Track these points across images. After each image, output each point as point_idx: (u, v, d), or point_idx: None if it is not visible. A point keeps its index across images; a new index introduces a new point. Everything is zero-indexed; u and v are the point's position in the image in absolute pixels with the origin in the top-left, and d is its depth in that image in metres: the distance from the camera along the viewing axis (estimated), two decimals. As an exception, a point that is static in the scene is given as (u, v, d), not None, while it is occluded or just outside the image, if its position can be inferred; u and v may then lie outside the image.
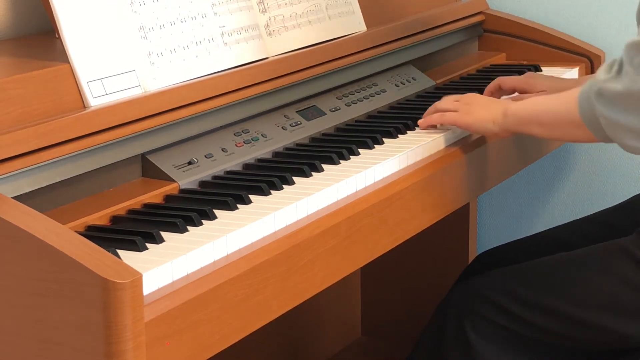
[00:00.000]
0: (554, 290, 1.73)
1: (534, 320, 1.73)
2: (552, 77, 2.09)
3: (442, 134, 1.88)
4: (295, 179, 1.64)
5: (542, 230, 2.09)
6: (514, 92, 2.08)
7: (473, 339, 1.75)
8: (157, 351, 1.23)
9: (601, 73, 1.61)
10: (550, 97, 1.75)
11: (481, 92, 2.20)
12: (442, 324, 1.80)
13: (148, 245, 1.36)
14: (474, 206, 2.69)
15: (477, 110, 1.83)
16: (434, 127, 1.91)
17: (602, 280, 1.70)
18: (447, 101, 1.89)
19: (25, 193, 1.40)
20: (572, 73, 2.41)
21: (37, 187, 1.42)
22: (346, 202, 1.59)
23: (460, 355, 1.76)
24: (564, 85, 2.02)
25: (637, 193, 2.00)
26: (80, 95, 1.54)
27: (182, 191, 1.59)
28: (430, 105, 2.05)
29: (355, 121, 1.99)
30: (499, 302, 1.74)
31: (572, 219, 2.07)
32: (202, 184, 1.63)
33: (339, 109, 1.97)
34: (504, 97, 2.07)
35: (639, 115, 1.55)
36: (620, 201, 2.02)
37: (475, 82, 2.27)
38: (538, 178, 2.71)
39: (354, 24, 2.12)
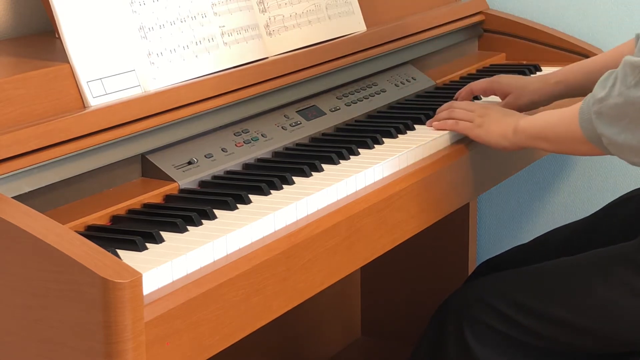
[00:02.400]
0: (555, 297, 1.72)
1: (534, 326, 1.72)
2: (515, 76, 2.09)
3: (442, 134, 1.88)
4: (295, 179, 1.64)
5: (541, 229, 2.09)
6: (485, 94, 2.09)
7: (472, 344, 1.74)
8: (157, 351, 1.23)
9: (598, 89, 1.63)
10: (556, 112, 1.77)
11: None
12: (441, 328, 1.80)
13: (148, 245, 1.36)
14: (474, 206, 2.69)
15: (490, 124, 1.84)
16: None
17: (605, 288, 1.69)
18: (464, 108, 1.90)
19: (25, 193, 1.40)
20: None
21: (37, 187, 1.42)
22: (346, 202, 1.59)
23: (460, 359, 1.76)
24: (526, 82, 2.03)
25: (632, 189, 2.00)
26: (80, 95, 1.54)
27: (182, 191, 1.59)
28: (430, 105, 2.06)
29: (355, 121, 1.99)
30: (499, 307, 1.74)
31: (571, 219, 2.07)
32: (202, 183, 1.63)
33: (339, 109, 1.97)
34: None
35: (634, 133, 1.58)
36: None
37: (475, 82, 2.27)
38: (538, 178, 2.71)
39: (354, 24, 2.12)
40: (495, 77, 2.08)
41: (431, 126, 1.92)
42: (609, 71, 1.63)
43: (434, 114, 2.01)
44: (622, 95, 1.58)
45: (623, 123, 1.59)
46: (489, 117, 1.86)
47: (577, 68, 2.03)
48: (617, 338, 1.69)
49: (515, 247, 2.07)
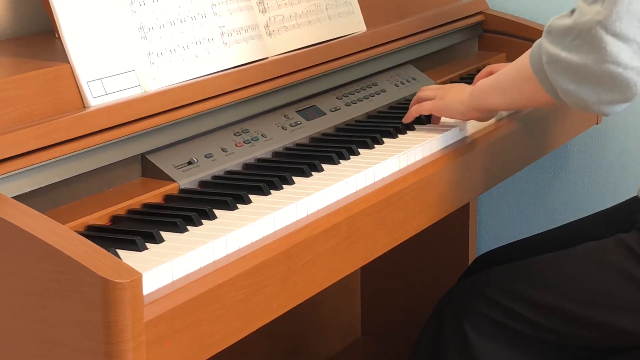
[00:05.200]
0: (554, 288, 1.73)
1: (533, 318, 1.73)
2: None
3: (441, 134, 1.88)
4: (295, 178, 1.64)
5: (541, 230, 2.09)
6: None
7: (472, 337, 1.75)
8: (157, 351, 1.23)
9: (555, 16, 1.60)
10: (511, 63, 1.78)
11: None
12: (440, 322, 1.80)
13: (148, 245, 1.36)
14: (474, 206, 2.69)
15: (449, 94, 1.88)
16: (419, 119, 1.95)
17: (602, 276, 1.70)
18: (427, 89, 1.94)
19: (25, 193, 1.40)
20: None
21: (37, 187, 1.42)
22: (346, 202, 1.59)
23: (460, 353, 1.76)
24: None
25: (636, 194, 2.00)
26: (80, 95, 1.54)
27: (182, 191, 1.59)
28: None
29: (355, 121, 1.99)
30: (498, 299, 1.74)
31: (571, 219, 2.07)
32: (202, 183, 1.63)
33: (339, 109, 1.97)
34: None
35: (580, 52, 1.52)
36: (620, 201, 2.02)
37: (475, 82, 2.27)
38: (538, 178, 2.71)
39: (354, 24, 2.12)
40: (491, 67, 2.07)
41: (405, 122, 1.94)
42: None
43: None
44: (578, 10, 1.53)
45: (569, 38, 1.53)
46: (450, 89, 1.89)
47: None
48: (614, 327, 1.70)
49: (511, 242, 2.07)
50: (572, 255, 1.76)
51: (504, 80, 1.76)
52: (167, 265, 1.30)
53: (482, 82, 1.82)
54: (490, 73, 2.06)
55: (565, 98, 1.57)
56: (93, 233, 1.41)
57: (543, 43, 1.59)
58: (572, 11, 1.57)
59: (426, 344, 1.84)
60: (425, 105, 1.91)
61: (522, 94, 1.70)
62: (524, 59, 1.67)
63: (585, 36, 1.51)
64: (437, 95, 1.90)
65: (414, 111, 1.92)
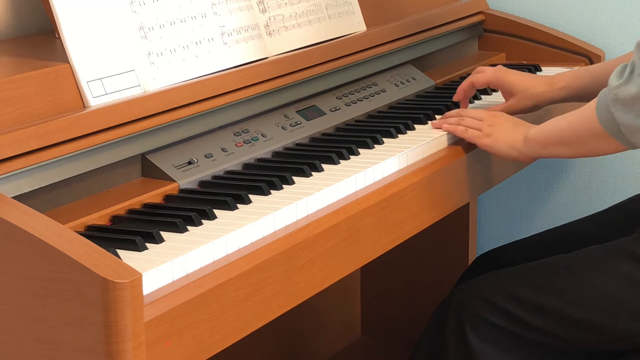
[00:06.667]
0: (555, 292, 1.72)
1: (534, 322, 1.72)
2: (520, 75, 2.08)
3: (442, 134, 1.88)
4: (295, 178, 1.64)
5: (542, 230, 2.09)
6: (486, 87, 2.10)
7: (473, 341, 1.75)
8: (157, 351, 1.23)
9: (613, 79, 1.61)
10: (569, 115, 1.76)
11: (481, 93, 2.20)
12: (442, 325, 1.80)
13: (148, 245, 1.36)
14: (474, 206, 2.69)
15: (499, 133, 1.84)
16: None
17: (603, 280, 1.70)
18: (475, 115, 1.89)
19: (25, 193, 1.40)
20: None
21: (37, 187, 1.42)
22: (346, 202, 1.59)
23: (460, 356, 1.76)
24: (531, 84, 2.02)
25: (637, 193, 2.00)
26: (80, 95, 1.54)
27: (182, 191, 1.59)
28: (430, 105, 2.06)
29: (355, 121, 1.99)
30: (499, 303, 1.74)
31: (571, 219, 2.07)
32: (202, 183, 1.63)
33: (339, 109, 1.97)
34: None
35: None
36: (620, 201, 2.02)
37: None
38: (538, 178, 2.71)
39: (354, 24, 2.12)
40: (500, 69, 2.06)
41: (439, 127, 1.91)
42: (623, 63, 1.62)
43: (434, 114, 2.01)
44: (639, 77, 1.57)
45: (638, 107, 1.58)
46: (498, 126, 1.85)
47: (584, 71, 2.02)
48: (616, 331, 1.70)
49: (511, 242, 2.07)
50: (574, 259, 1.76)
51: (566, 135, 1.74)
52: (167, 265, 1.30)
53: (539, 133, 1.79)
54: (473, 86, 2.06)
55: None
56: (93, 233, 1.41)
57: (615, 113, 1.62)
58: (630, 70, 1.60)
59: (427, 347, 1.83)
60: (471, 135, 1.86)
61: (595, 149, 1.73)
62: (591, 120, 1.67)
63: None
64: (483, 125, 1.86)
65: (459, 132, 1.88)
